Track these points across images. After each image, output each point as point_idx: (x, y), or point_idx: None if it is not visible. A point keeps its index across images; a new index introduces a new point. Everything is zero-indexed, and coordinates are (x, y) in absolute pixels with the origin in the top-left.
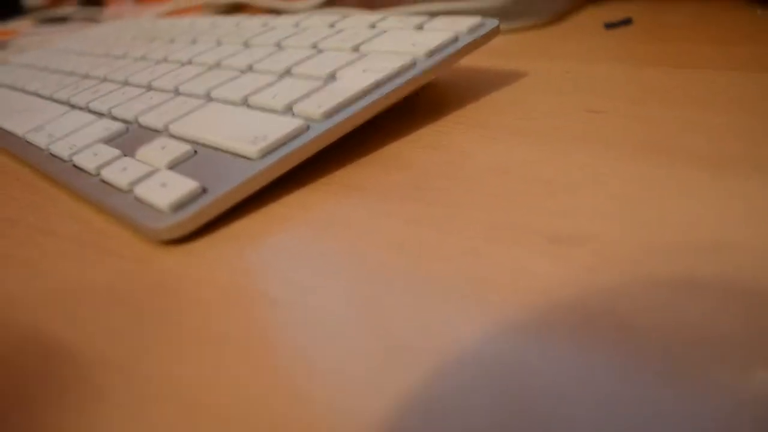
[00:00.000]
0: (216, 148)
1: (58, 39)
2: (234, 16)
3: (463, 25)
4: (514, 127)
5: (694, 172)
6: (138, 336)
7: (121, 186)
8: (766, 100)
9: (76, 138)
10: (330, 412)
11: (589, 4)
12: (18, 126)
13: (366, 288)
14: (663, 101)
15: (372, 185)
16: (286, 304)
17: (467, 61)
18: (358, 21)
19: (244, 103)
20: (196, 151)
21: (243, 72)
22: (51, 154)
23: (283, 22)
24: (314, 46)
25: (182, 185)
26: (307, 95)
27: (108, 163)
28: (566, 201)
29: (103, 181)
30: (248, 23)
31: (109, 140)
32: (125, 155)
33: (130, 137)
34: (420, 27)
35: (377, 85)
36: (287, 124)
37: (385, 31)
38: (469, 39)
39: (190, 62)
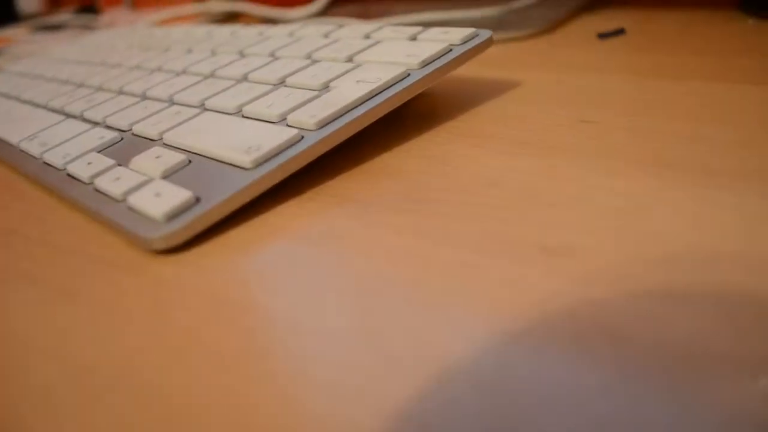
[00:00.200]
0: (210, 158)
1: (54, 47)
2: (229, 26)
3: (456, 36)
4: (506, 137)
5: (687, 184)
6: (130, 344)
7: (114, 195)
8: (757, 112)
9: (70, 147)
10: (322, 423)
11: (582, 15)
12: (12, 134)
13: (358, 299)
14: (656, 112)
15: (365, 196)
16: (279, 314)
17: (461, 72)
18: (352, 31)
19: (239, 112)
20: (190, 161)
21: (238, 81)
22: (45, 162)
23: (278, 32)
24: (309, 56)
25: (176, 195)
26: (301, 105)
27: (102, 173)
28: (559, 213)
29: (97, 191)
30: (243, 32)
31: (104, 149)
32: (119, 164)
33: (124, 146)
34: (414, 38)
35: (371, 95)
36: (281, 134)
37: (379, 42)
38: (462, 50)
39: (185, 71)
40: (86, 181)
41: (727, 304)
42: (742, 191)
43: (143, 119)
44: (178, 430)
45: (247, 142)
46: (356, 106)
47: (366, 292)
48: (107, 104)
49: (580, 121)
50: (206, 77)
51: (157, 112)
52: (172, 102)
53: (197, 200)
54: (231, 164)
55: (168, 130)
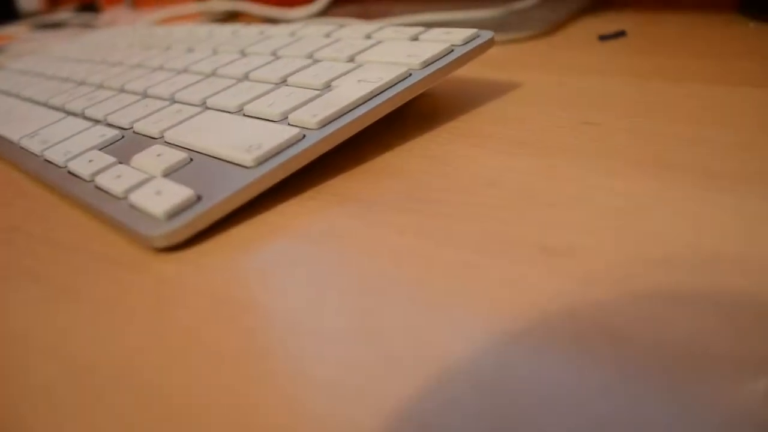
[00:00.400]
0: (211, 156)
1: (54, 45)
2: (230, 25)
3: (458, 36)
4: (507, 138)
5: (687, 186)
6: (130, 343)
7: (116, 193)
8: (758, 115)
9: (71, 144)
10: (322, 423)
11: (583, 17)
12: (13, 132)
13: (359, 298)
14: (656, 114)
15: (366, 195)
16: (279, 314)
17: (462, 72)
18: (354, 31)
19: (240, 111)
20: (191, 159)
21: (239, 80)
22: (46, 160)
23: (279, 31)
24: (310, 55)
25: (177, 193)
26: (302, 104)
27: (103, 170)
28: (559, 213)
29: (98, 188)
30: (245, 32)
31: (105, 147)
32: (120, 162)
33: (125, 144)
34: (415, 38)
35: (372, 95)
36: (282, 133)
37: (380, 42)
38: (463, 50)
39: (186, 70)
40: (87, 178)
41: (727, 305)
42: (742, 193)
43: (144, 117)
44: (179, 430)
45: (249, 140)
46: (357, 106)
47: (366, 292)
48: (108, 102)
49: (581, 123)
50: (207, 76)
51: (159, 110)
52: (173, 100)
53: (198, 198)
54: (232, 163)
55: (169, 128)
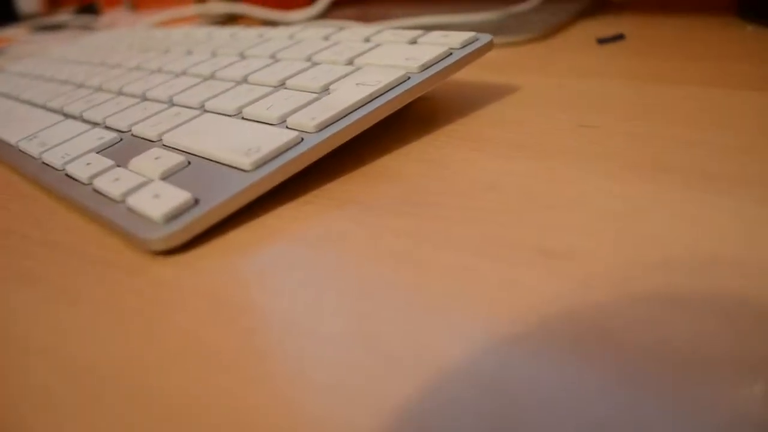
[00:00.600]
0: (209, 159)
1: (53, 47)
2: (229, 27)
3: (456, 39)
4: (506, 141)
5: (685, 188)
6: (128, 345)
7: (113, 196)
8: (756, 118)
9: (69, 147)
10: (321, 425)
11: (581, 20)
12: (11, 134)
13: (357, 301)
14: (655, 117)
15: (364, 198)
16: (277, 316)
17: (460, 75)
18: (352, 34)
19: (238, 114)
20: (189, 162)
21: (237, 83)
22: (44, 162)
23: (278, 34)
24: (309, 58)
25: (175, 196)
26: (301, 107)
27: (101, 173)
28: (558, 216)
29: (96, 191)
30: (243, 34)
31: (103, 150)
32: (118, 165)
33: (123, 147)
34: (414, 41)
35: (371, 98)
36: (281, 136)
37: (379, 45)
38: (462, 53)
39: (184, 73)
40: (85, 181)
41: (725, 307)
42: (740, 196)
43: (143, 120)
44: (177, 431)
45: (247, 143)
46: (356, 109)
47: (364, 295)
48: (107, 105)
49: (580, 126)
50: (206, 79)
51: (157, 113)
52: (171, 103)
53: (196, 202)
54: (230, 166)
55: (167, 131)
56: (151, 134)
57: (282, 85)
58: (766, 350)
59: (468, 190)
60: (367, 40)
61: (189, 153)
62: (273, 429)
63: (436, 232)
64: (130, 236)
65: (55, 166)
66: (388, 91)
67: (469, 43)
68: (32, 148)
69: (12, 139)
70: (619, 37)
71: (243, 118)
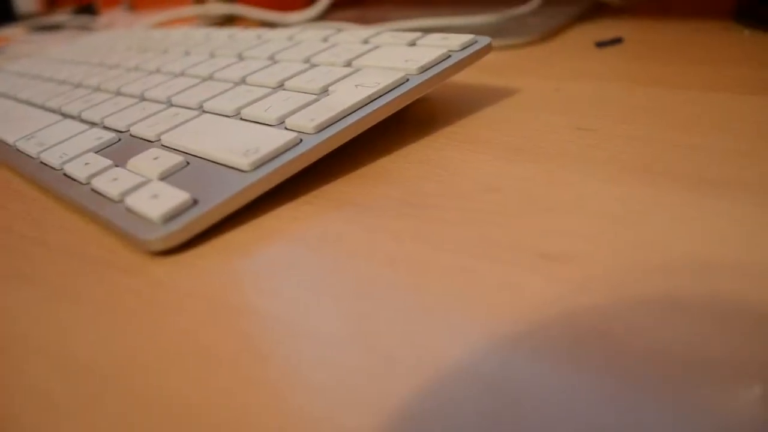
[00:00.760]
0: (208, 160)
1: (51, 47)
2: (228, 28)
3: (455, 41)
4: (504, 143)
5: (683, 192)
6: (127, 345)
7: (111, 196)
8: (754, 122)
9: (67, 147)
10: (319, 426)
11: (580, 23)
12: (9, 134)
13: (356, 302)
14: (652, 121)
15: (362, 200)
16: (275, 317)
17: (459, 78)
18: (351, 36)
19: (237, 115)
20: (188, 163)
21: (236, 84)
22: (42, 162)
23: (277, 35)
24: (307, 60)
25: (173, 196)
26: (299, 108)
27: (99, 173)
28: (556, 219)
29: (94, 191)
30: (242, 35)
31: (101, 150)
32: (117, 165)
33: (122, 147)
34: (413, 43)
35: (369, 99)
36: (279, 137)
37: (378, 47)
38: (461, 56)
39: (183, 73)
40: (83, 181)
41: (725, 311)
42: (739, 199)
43: (141, 120)
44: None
45: (246, 144)
46: (355, 110)
47: (363, 296)
48: (105, 105)
49: (578, 129)
50: (205, 79)
51: (155, 113)
52: (170, 104)
53: (195, 202)
54: (229, 166)
55: (166, 131)
56: (149, 134)
57: (281, 86)
58: (765, 353)
59: (466, 192)
60: (365, 41)
61: (187, 153)
62: (273, 429)
63: (435, 234)
64: (129, 236)
65: (54, 166)
66: (387, 92)
67: (468, 46)
68: (30, 148)
69: (10, 139)
70: (617, 41)
71: (242, 119)
